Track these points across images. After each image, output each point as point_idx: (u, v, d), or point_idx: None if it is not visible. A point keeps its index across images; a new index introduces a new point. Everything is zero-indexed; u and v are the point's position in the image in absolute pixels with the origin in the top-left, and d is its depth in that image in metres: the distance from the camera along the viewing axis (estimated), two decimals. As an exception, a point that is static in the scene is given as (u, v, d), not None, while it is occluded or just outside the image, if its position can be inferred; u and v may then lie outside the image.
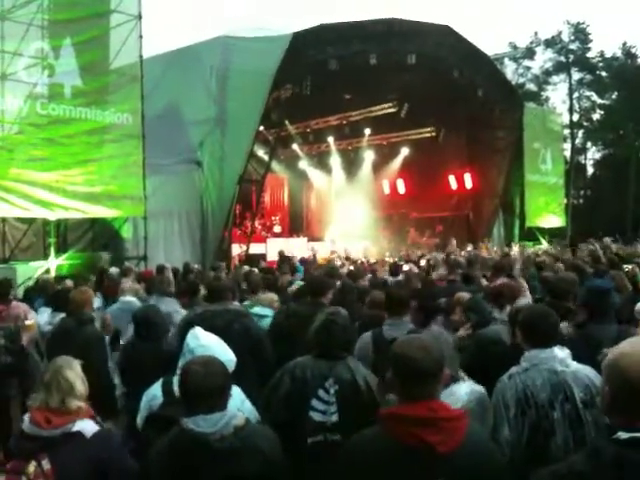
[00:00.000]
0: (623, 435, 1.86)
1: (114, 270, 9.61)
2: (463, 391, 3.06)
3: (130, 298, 6.38)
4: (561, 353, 3.11)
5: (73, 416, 2.80)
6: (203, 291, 6.24)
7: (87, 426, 2.81)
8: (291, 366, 3.43)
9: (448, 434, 2.14)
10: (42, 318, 6.10)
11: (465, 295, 5.30)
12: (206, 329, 3.58)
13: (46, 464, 2.62)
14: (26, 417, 2.85)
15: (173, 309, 5.83)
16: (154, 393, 3.57)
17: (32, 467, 2.61)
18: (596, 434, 2.83)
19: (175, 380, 3.30)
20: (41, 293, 7.50)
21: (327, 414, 3.25)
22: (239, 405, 3.32)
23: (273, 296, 6.27)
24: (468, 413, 2.78)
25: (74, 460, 2.67)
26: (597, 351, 3.25)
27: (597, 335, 3.85)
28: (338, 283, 6.47)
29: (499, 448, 3.02)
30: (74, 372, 2.95)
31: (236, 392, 3.40)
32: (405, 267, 12.44)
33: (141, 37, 12.42)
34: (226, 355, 3.26)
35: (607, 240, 16.67)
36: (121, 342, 5.33)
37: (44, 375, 2.97)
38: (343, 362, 3.36)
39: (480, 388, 3.19)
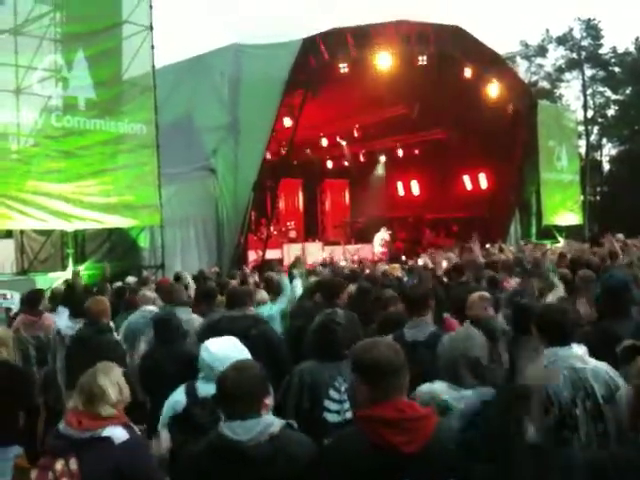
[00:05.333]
0: None
1: (131, 279, 9.68)
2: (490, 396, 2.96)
3: (151, 307, 6.42)
4: (579, 350, 3.10)
5: (105, 421, 2.84)
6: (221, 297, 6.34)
7: (117, 432, 2.84)
8: (298, 372, 3.45)
9: (414, 434, 2.17)
10: (61, 320, 6.18)
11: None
12: (224, 334, 3.60)
13: (73, 464, 2.68)
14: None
15: (186, 317, 5.80)
16: (177, 399, 3.59)
17: (60, 465, 2.68)
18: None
19: (198, 384, 3.35)
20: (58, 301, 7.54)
21: (341, 413, 3.26)
22: None
23: (264, 295, 6.70)
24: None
25: (100, 465, 2.72)
26: (615, 347, 3.23)
27: (614, 331, 3.81)
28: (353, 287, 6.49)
29: None
30: (109, 378, 2.99)
31: None
32: (420, 261, 12.34)
33: (153, 47, 12.51)
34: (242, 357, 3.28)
35: (620, 236, 16.58)
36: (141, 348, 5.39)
37: (80, 380, 3.01)
38: (348, 360, 3.39)
39: None
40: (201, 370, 3.38)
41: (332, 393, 3.32)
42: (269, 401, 2.62)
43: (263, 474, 2.42)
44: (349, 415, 3.26)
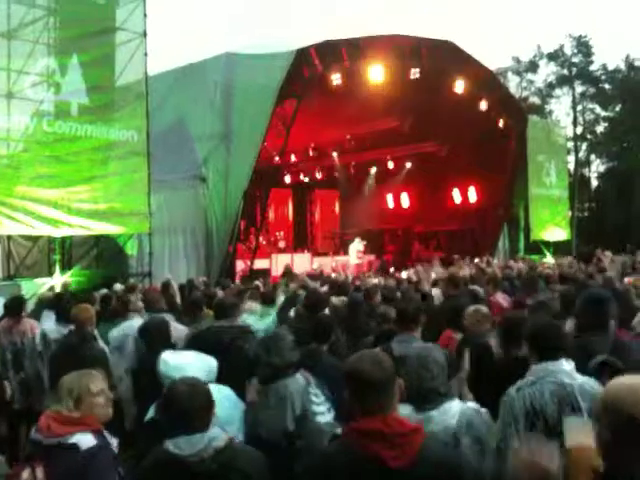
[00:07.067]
0: None
1: (118, 287, 9.61)
2: (455, 410, 2.96)
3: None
4: (568, 366, 3.12)
5: (74, 427, 2.74)
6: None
7: (84, 439, 2.72)
8: (284, 388, 3.44)
9: (402, 448, 2.15)
10: (47, 324, 6.16)
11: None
12: (211, 345, 3.62)
13: (40, 472, 2.60)
14: None
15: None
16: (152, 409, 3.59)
17: (26, 473, 2.60)
18: None
19: None
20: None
21: (329, 411, 3.33)
22: (232, 407, 3.40)
23: (254, 305, 6.73)
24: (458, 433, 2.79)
25: (65, 472, 2.63)
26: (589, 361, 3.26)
27: (590, 345, 3.80)
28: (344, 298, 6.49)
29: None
30: (86, 382, 2.91)
31: (228, 395, 3.44)
32: (403, 274, 12.41)
33: (146, 54, 12.50)
34: (204, 368, 3.34)
35: (608, 253, 16.92)
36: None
37: (60, 383, 2.93)
38: (299, 374, 3.51)
39: (473, 409, 3.09)
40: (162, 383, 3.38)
41: (313, 398, 3.38)
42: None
43: None
44: (333, 413, 3.38)
